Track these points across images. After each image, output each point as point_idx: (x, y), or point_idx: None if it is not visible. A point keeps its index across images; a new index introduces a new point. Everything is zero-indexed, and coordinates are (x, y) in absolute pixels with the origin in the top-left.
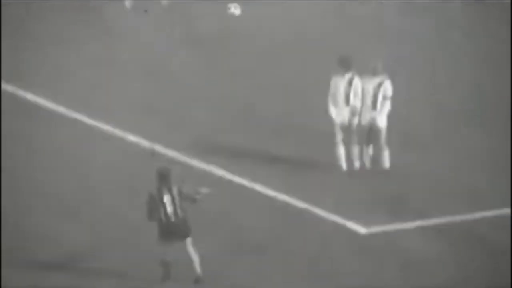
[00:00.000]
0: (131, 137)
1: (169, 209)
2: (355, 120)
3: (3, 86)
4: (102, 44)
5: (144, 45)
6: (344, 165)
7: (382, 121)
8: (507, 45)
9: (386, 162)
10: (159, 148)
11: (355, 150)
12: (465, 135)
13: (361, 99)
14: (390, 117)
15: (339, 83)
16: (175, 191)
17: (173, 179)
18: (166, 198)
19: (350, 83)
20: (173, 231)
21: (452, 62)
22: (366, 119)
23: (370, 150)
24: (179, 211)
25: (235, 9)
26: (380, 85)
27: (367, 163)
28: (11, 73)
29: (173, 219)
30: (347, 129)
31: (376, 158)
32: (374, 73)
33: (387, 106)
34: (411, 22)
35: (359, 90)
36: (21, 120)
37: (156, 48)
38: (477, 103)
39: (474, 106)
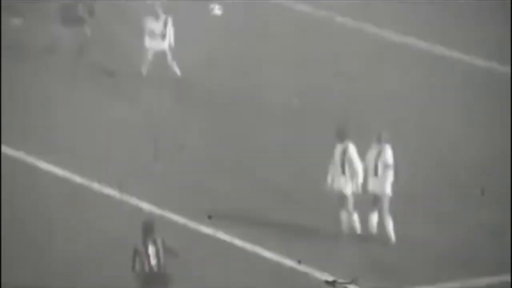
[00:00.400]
0: (132, 201)
1: (153, 260)
2: (354, 189)
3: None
4: (110, 106)
5: (153, 110)
6: (346, 231)
7: (384, 190)
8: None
9: (389, 230)
10: (164, 213)
11: (356, 217)
12: (465, 204)
13: (356, 168)
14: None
15: (336, 152)
16: (159, 242)
17: (157, 232)
18: (151, 250)
19: (344, 152)
20: (155, 282)
21: (456, 130)
22: (369, 187)
23: (373, 218)
24: (162, 262)
25: (218, 10)
26: (380, 152)
27: (370, 231)
28: (12, 136)
29: (155, 270)
30: (346, 197)
31: (380, 226)
32: (377, 141)
33: (389, 174)
34: (415, 88)
35: (354, 160)
36: (21, 182)
37: (164, 113)
38: (479, 173)
39: (476, 175)
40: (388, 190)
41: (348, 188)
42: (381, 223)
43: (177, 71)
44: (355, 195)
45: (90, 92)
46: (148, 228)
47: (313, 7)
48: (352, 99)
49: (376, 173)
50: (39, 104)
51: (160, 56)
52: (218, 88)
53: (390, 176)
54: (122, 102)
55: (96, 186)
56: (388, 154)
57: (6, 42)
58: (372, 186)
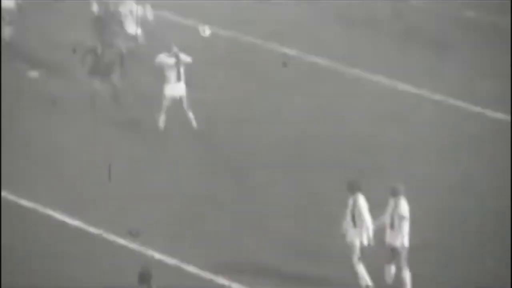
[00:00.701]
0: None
1: None
2: (364, 241)
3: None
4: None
5: (168, 160)
6: (361, 283)
7: (401, 242)
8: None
9: (407, 283)
10: (176, 263)
11: (362, 269)
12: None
13: (365, 221)
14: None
15: (348, 204)
16: None
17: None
18: None
19: (355, 204)
20: None
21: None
22: (386, 240)
23: (390, 270)
24: None
25: (206, 31)
26: (395, 205)
27: (387, 283)
28: (12, 181)
29: None
30: (358, 249)
31: (397, 279)
32: (392, 194)
33: (405, 226)
34: (426, 139)
35: (363, 212)
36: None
37: (180, 162)
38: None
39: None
40: (405, 242)
41: (357, 240)
42: (398, 275)
43: (193, 120)
44: (363, 247)
45: (104, 140)
46: (145, 275)
47: (326, 58)
48: (364, 150)
49: (392, 226)
50: (50, 151)
51: (177, 100)
52: (229, 138)
53: (406, 228)
54: (134, 149)
55: (102, 232)
56: (403, 206)
57: (25, 94)
58: (389, 239)
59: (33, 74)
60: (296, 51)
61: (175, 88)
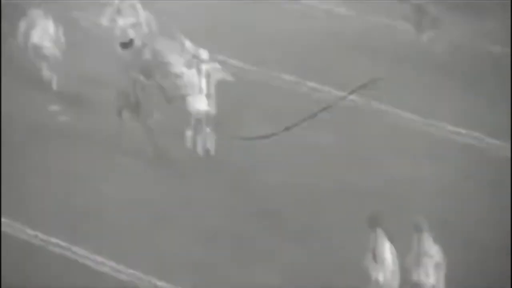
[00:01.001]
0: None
1: None
2: (383, 277)
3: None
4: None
5: (176, 187)
6: None
7: (426, 278)
8: None
9: None
10: None
11: None
12: None
13: (384, 256)
14: None
15: (370, 240)
16: None
17: None
18: None
19: (375, 240)
20: None
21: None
22: (413, 277)
23: None
24: None
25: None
26: (419, 241)
27: None
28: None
29: None
30: (379, 286)
31: None
32: (416, 230)
33: (430, 263)
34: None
35: (382, 248)
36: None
37: (190, 189)
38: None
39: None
40: (431, 279)
41: (378, 277)
42: None
43: (212, 145)
44: (385, 284)
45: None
46: None
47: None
48: (386, 186)
49: (417, 263)
50: (70, 185)
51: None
52: (245, 168)
53: (431, 265)
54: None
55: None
56: (427, 243)
57: (46, 128)
58: (414, 276)
59: (54, 107)
60: (321, 85)
61: (197, 102)
